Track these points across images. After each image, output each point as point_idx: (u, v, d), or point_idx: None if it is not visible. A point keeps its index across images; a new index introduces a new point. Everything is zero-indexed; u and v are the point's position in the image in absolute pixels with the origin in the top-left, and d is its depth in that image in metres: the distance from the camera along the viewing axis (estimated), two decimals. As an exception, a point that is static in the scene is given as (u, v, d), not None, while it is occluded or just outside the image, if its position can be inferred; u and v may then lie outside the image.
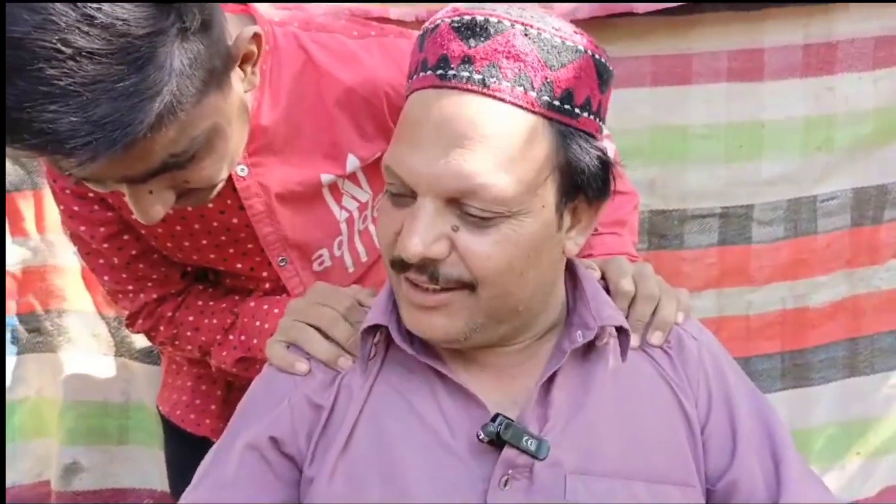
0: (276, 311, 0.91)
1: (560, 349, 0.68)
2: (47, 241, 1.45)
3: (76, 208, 0.89)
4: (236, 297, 0.98)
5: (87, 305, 1.47)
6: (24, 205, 1.44)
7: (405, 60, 0.68)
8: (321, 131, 0.88)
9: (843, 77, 1.49)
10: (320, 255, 0.96)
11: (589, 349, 0.70)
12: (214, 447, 0.72)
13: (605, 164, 0.64)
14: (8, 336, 1.46)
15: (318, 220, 0.94)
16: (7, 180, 1.44)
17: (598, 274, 0.79)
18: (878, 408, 1.56)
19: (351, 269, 0.98)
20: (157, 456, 1.45)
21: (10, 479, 1.46)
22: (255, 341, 0.91)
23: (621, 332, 0.70)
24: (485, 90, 0.59)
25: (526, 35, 0.60)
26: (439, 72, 0.61)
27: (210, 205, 0.85)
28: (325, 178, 0.90)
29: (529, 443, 0.63)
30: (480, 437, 0.64)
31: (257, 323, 0.92)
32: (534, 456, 0.63)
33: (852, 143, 1.51)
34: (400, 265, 0.62)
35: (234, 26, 0.73)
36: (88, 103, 0.57)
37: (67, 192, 0.88)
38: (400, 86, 0.79)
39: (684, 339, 0.75)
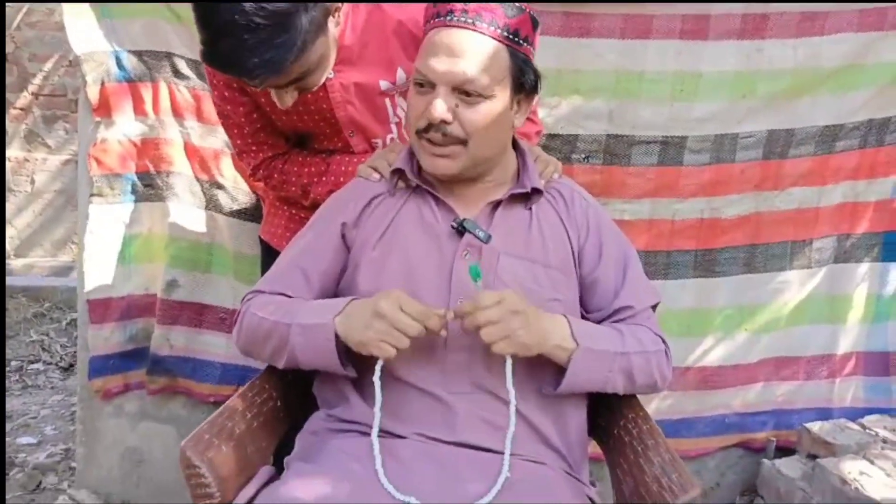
0: (355, 160, 1.41)
1: (507, 193, 1.19)
2: (160, 121, 1.94)
3: (226, 94, 1.39)
4: (324, 155, 1.48)
5: (187, 170, 1.97)
6: (144, 92, 1.93)
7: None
8: (381, 50, 1.35)
9: (771, 42, 1.88)
10: (376, 142, 1.46)
11: (525, 200, 1.20)
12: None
13: (535, 75, 1.14)
14: (128, 188, 1.98)
15: (377, 116, 1.42)
16: (132, 73, 1.92)
17: None
18: (765, 297, 2.03)
19: None
20: (231, 284, 2.01)
21: (126, 291, 2.00)
22: (341, 179, 1.41)
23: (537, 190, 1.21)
24: (473, 27, 1.09)
25: (498, 5, 1.10)
26: (448, 17, 1.10)
27: (309, 96, 1.35)
28: (383, 84, 1.38)
29: (479, 233, 1.14)
30: (452, 225, 1.15)
31: (343, 168, 1.44)
32: (482, 240, 1.14)
33: (771, 95, 1.92)
34: (424, 129, 1.11)
35: None
36: (264, 52, 1.08)
37: (221, 84, 1.38)
38: None
39: (576, 198, 1.25)
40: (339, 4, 1.24)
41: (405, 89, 1.32)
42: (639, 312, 1.20)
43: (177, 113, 1.96)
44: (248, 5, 1.04)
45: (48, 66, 4.48)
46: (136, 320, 2.03)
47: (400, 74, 1.37)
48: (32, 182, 4.63)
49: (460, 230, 1.16)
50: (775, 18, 1.88)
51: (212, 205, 1.99)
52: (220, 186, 1.98)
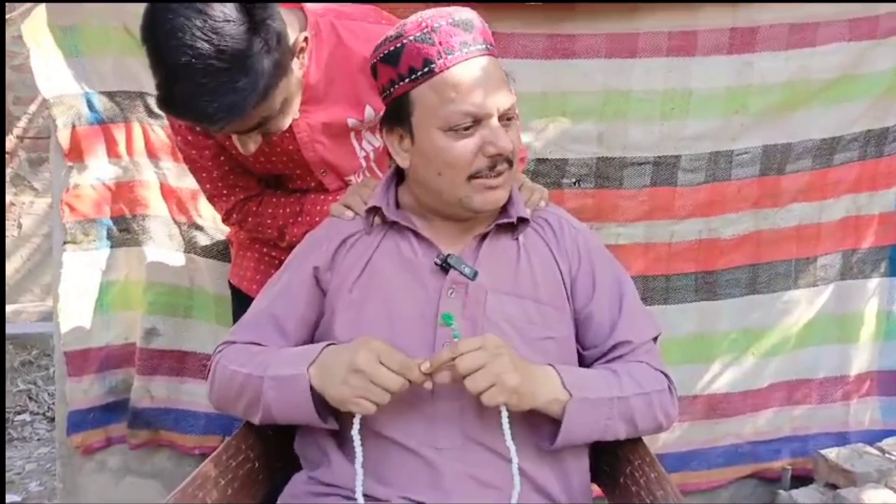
0: (330, 199, 1.35)
1: (492, 224, 1.12)
2: (135, 162, 1.88)
3: (189, 138, 1.32)
4: (298, 195, 1.41)
5: (164, 212, 1.90)
6: (118, 134, 1.86)
7: None
8: (348, 87, 1.28)
9: (761, 55, 1.84)
10: (349, 179, 1.40)
11: (511, 231, 1.13)
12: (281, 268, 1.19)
13: None
14: (103, 233, 1.91)
15: (345, 154, 1.36)
16: (104, 114, 1.86)
17: None
18: (771, 319, 1.95)
19: None
20: (213, 329, 1.93)
21: (104, 340, 1.92)
22: (317, 219, 1.33)
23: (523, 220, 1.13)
24: (490, 53, 1.04)
25: (481, 23, 1.05)
26: (463, 50, 1.02)
27: (275, 137, 1.28)
28: (350, 121, 1.31)
29: (465, 269, 1.06)
30: (435, 262, 1.07)
31: (318, 208, 1.37)
32: (468, 277, 1.06)
33: (764, 110, 1.86)
34: (489, 167, 1.03)
35: (289, 20, 1.14)
36: (222, 95, 1.01)
37: (184, 128, 1.31)
38: None
39: (565, 226, 1.18)
40: (304, 45, 1.17)
41: (373, 125, 1.25)
42: (638, 347, 1.12)
43: (151, 154, 1.89)
44: (204, 47, 0.97)
45: (32, 108, 4.44)
46: (116, 371, 1.95)
47: (368, 112, 1.31)
48: (20, 226, 4.56)
49: (445, 267, 1.08)
50: (765, 31, 1.84)
51: (190, 247, 1.92)
52: (198, 227, 1.91)
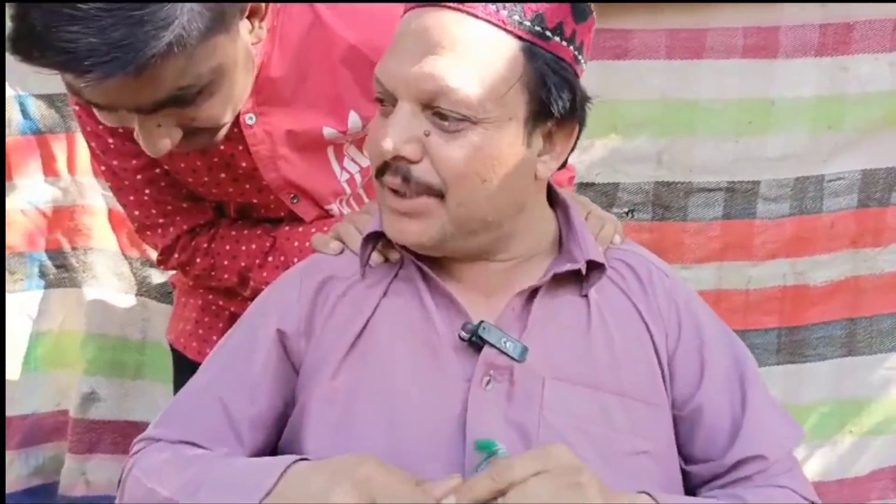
0: (313, 230, 0.98)
1: (547, 272, 0.74)
2: (77, 182, 1.55)
3: (110, 141, 0.94)
4: (268, 225, 1.04)
5: (112, 245, 1.57)
6: (57, 147, 1.53)
7: None
8: (326, 85, 0.93)
9: (858, 58, 1.52)
10: (330, 208, 1.03)
11: (577, 282, 0.76)
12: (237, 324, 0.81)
13: (573, 87, 0.68)
14: (34, 271, 1.56)
15: (320, 173, 1.00)
16: (42, 123, 1.53)
17: None
18: (873, 388, 1.61)
19: None
20: (170, 392, 1.56)
21: (30, 407, 1.57)
22: (294, 259, 0.97)
23: (595, 265, 0.75)
24: (460, 6, 0.65)
25: None
26: None
27: (221, 147, 0.91)
28: (327, 131, 0.95)
29: (507, 344, 0.68)
30: (461, 336, 0.69)
31: (295, 243, 1.00)
32: (513, 358, 0.68)
33: (864, 125, 1.54)
34: (380, 171, 0.68)
35: None
36: (107, 27, 0.63)
37: (101, 127, 0.91)
38: None
39: (655, 275, 0.79)
40: (261, 6, 0.80)
41: (361, 136, 0.90)
42: (775, 464, 0.74)
43: (98, 172, 1.54)
44: None
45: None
46: (44, 446, 1.60)
47: (353, 119, 0.94)
48: None
49: (477, 342, 0.70)
50: (862, 27, 1.51)
51: (144, 289, 1.59)
52: (154, 265, 1.56)
